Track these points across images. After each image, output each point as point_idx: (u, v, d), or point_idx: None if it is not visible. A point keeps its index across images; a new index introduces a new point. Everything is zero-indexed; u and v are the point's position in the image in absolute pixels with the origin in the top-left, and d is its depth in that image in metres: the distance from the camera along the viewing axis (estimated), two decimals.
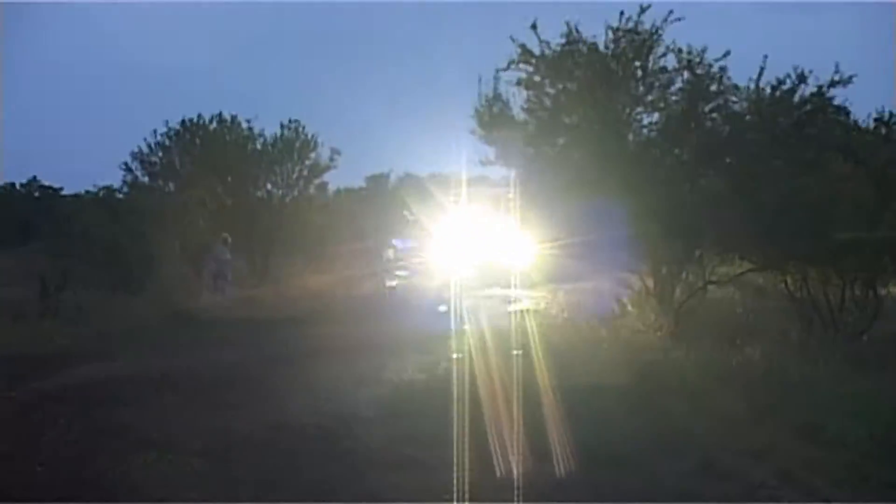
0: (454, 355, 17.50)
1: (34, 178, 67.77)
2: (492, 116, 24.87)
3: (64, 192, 59.64)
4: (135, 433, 13.28)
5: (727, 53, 23.64)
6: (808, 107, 23.19)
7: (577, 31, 24.35)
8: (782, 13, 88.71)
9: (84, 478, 11.11)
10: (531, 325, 21.47)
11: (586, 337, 21.04)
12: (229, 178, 43.09)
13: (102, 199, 44.29)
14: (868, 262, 21.11)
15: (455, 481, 10.04)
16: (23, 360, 18.52)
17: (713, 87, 23.87)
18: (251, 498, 10.29)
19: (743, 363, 17.63)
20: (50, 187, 64.63)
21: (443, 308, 25.54)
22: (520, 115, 25.10)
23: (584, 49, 24.35)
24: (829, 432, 12.96)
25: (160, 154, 47.84)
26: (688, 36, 24.33)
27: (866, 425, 13.14)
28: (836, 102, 23.38)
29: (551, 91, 24.91)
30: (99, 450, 12.33)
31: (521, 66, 24.69)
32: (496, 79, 25.01)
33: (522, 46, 24.39)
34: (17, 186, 67.90)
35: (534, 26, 24.36)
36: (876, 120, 23.99)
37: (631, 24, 24.07)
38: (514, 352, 16.25)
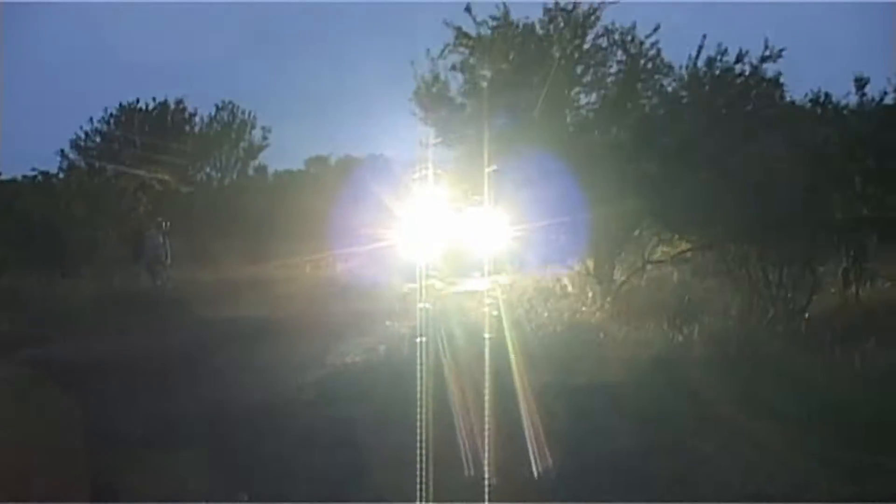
0: (394, 337, 17.60)
1: None
2: (430, 98, 24.84)
3: (2, 178, 58.99)
4: (75, 419, 13.09)
5: (657, 28, 23.81)
6: (742, 82, 23.40)
7: (509, 13, 24.48)
8: None
9: (21, 467, 10.92)
10: (469, 308, 21.48)
11: (524, 319, 20.99)
12: (167, 162, 42.81)
13: (40, 184, 43.95)
14: (805, 241, 21.20)
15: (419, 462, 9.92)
16: None
17: (648, 66, 24.03)
18: (193, 481, 10.11)
19: (683, 342, 17.66)
20: None
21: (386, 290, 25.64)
22: (458, 98, 25.13)
23: (518, 31, 24.48)
24: (769, 408, 12.99)
25: (98, 139, 47.68)
26: (632, 15, 24.53)
27: (806, 401, 13.18)
28: (769, 77, 23.74)
29: (486, 74, 25.01)
30: (37, 436, 12.14)
31: (459, 49, 24.76)
32: (433, 61, 24.99)
33: (458, 29, 24.42)
34: None
35: (468, 9, 24.43)
36: (811, 101, 24.18)
37: (570, 5, 24.19)
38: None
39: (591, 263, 24.29)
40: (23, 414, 13.29)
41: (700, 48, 23.42)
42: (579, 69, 24.70)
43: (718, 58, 23.40)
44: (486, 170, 21.22)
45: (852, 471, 10.60)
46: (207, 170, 49.25)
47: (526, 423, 12.33)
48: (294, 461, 11.12)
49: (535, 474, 10.71)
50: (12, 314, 21.81)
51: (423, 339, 14.79)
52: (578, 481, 10.35)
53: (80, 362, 16.88)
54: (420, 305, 20.35)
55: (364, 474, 10.70)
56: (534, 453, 11.14)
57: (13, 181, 47.90)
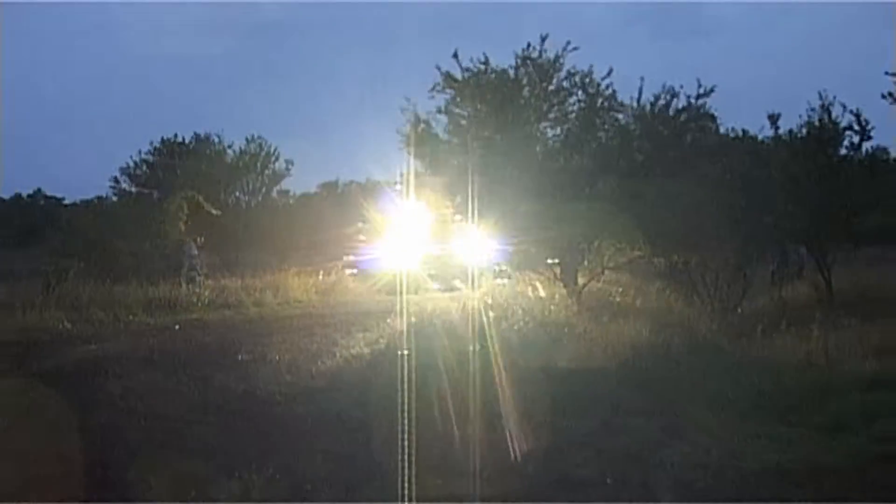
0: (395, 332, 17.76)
1: (39, 189, 67.51)
2: (417, 135, 25.05)
3: (65, 202, 59.22)
4: (123, 403, 13.12)
5: (610, 72, 24.13)
6: (683, 116, 23.72)
7: (487, 61, 24.80)
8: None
9: (75, 438, 10.94)
10: (456, 308, 21.58)
11: (501, 316, 21.05)
12: (203, 187, 42.92)
13: (96, 206, 44.07)
14: (737, 251, 21.39)
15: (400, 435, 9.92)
16: (30, 343, 18.32)
17: (604, 104, 24.30)
18: (224, 459, 10.06)
19: (634, 334, 17.70)
20: (53, 197, 64.22)
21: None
22: (442, 135, 25.36)
23: (493, 76, 24.77)
24: (708, 393, 13.05)
25: (145, 168, 47.94)
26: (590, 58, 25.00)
27: (739, 386, 13.27)
28: (705, 112, 24.16)
29: (465, 113, 25.30)
30: (92, 418, 12.15)
31: (445, 90, 25.05)
32: (414, 107, 25.26)
33: (447, 73, 24.68)
34: (25, 196, 67.61)
35: (455, 55, 24.76)
36: (735, 137, 24.70)
37: (536, 54, 24.47)
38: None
39: (557, 270, 24.38)
40: (84, 398, 13.33)
41: (640, 88, 23.85)
42: (546, 107, 24.94)
43: (662, 96, 23.72)
44: (468, 193, 21.40)
45: (771, 440, 10.71)
46: (237, 193, 49.44)
47: (502, 388, 12.79)
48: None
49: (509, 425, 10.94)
50: (74, 316, 21.79)
51: (414, 333, 14.92)
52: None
53: (131, 356, 16.90)
54: (414, 306, 20.53)
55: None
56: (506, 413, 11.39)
57: (74, 204, 48.17)
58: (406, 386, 12.28)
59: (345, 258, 34.73)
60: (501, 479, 9.26)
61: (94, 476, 9.39)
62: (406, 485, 8.65)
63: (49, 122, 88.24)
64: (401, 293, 22.78)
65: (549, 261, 24.90)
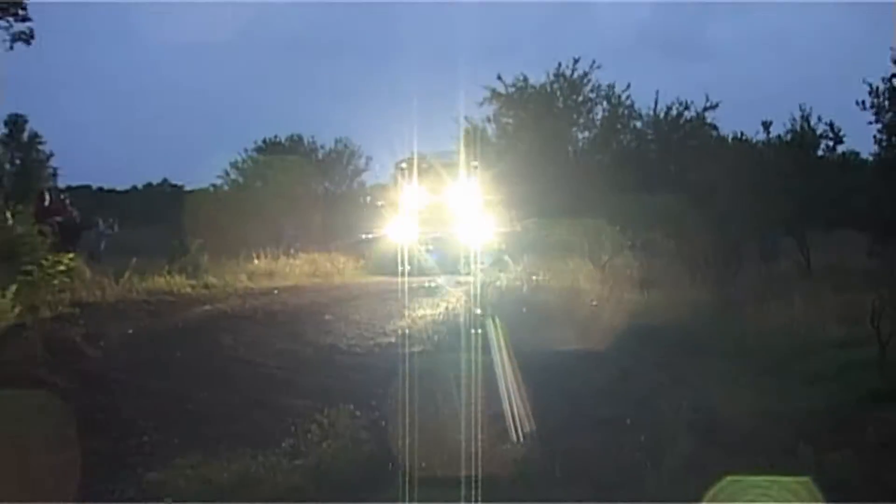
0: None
1: (165, 178, 68.46)
2: (472, 139, 25.41)
3: (185, 188, 59.96)
4: (232, 352, 13.29)
5: (628, 86, 24.36)
6: (691, 124, 23.91)
7: (527, 79, 25.22)
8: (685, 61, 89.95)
9: (197, 379, 11.15)
10: (505, 279, 21.70)
11: (539, 285, 21.10)
12: (298, 179, 43.35)
13: (211, 193, 44.66)
14: (732, 234, 21.47)
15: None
16: (159, 303, 18.50)
17: (624, 113, 24.53)
18: (317, 399, 10.14)
19: (647, 300, 17.80)
20: (176, 185, 64.93)
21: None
22: (492, 139, 25.72)
23: (532, 90, 25.14)
24: (707, 351, 13.09)
25: (250, 162, 48.41)
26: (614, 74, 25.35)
27: (733, 345, 13.32)
28: (709, 122, 24.38)
29: (511, 120, 25.63)
30: (207, 364, 12.34)
31: (492, 102, 25.54)
32: (467, 118, 25.73)
33: (493, 90, 25.11)
34: (154, 185, 68.79)
35: (499, 77, 25.24)
36: (733, 139, 24.89)
37: (568, 71, 24.76)
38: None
39: (585, 248, 24.42)
40: (204, 346, 13.53)
41: (656, 99, 24.03)
42: (575, 115, 25.20)
43: (673, 107, 23.84)
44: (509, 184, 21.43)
45: (761, 388, 10.77)
46: (326, 184, 49.83)
47: (537, 345, 12.84)
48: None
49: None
50: (193, 282, 21.82)
51: (468, 299, 14.97)
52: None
53: (238, 314, 17.05)
54: (467, 280, 20.62)
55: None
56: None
57: (193, 191, 48.80)
58: (457, 342, 12.46)
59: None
60: (540, 413, 9.37)
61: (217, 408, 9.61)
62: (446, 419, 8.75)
63: (174, 121, 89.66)
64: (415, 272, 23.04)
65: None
